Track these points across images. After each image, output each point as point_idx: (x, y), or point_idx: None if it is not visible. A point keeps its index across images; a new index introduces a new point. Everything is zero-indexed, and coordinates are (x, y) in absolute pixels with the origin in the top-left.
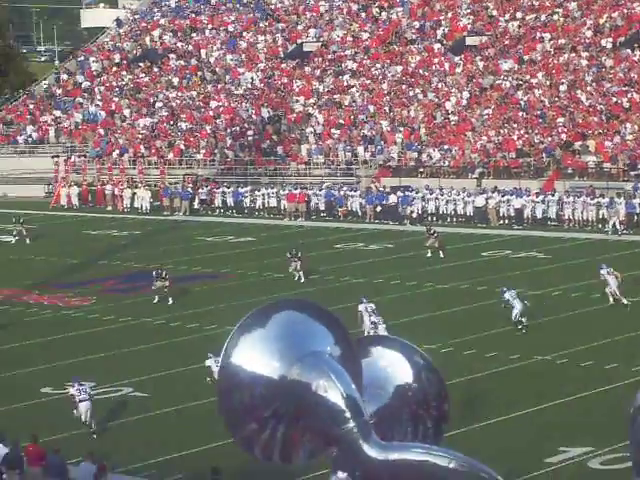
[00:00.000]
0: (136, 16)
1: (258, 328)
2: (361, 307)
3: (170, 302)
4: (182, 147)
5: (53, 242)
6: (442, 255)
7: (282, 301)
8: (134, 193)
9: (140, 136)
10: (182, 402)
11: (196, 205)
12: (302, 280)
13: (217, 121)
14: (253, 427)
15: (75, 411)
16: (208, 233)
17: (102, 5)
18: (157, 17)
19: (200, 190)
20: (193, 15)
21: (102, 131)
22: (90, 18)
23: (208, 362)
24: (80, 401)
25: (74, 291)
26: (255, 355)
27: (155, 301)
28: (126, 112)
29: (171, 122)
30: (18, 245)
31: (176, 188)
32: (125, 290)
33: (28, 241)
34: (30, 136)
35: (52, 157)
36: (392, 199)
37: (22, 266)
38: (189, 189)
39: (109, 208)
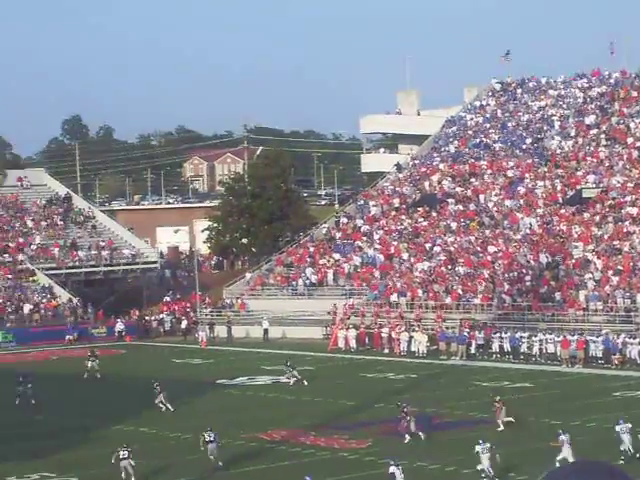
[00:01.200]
0: (416, 161)
1: None
2: None
3: None
4: (460, 291)
5: (330, 384)
6: None
7: (581, 463)
8: (411, 337)
9: (418, 280)
10: None
11: (473, 350)
12: None
13: (495, 266)
14: None
15: None
16: (484, 378)
17: (382, 150)
18: (436, 162)
19: (477, 335)
20: (472, 160)
21: (380, 274)
22: (370, 163)
23: None
24: None
25: (350, 433)
26: None
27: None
28: (404, 256)
29: (449, 266)
30: (296, 386)
31: (453, 332)
32: (401, 434)
33: (305, 382)
34: (309, 278)
35: (331, 300)
36: None
37: (300, 407)
38: (466, 333)
39: (386, 351)
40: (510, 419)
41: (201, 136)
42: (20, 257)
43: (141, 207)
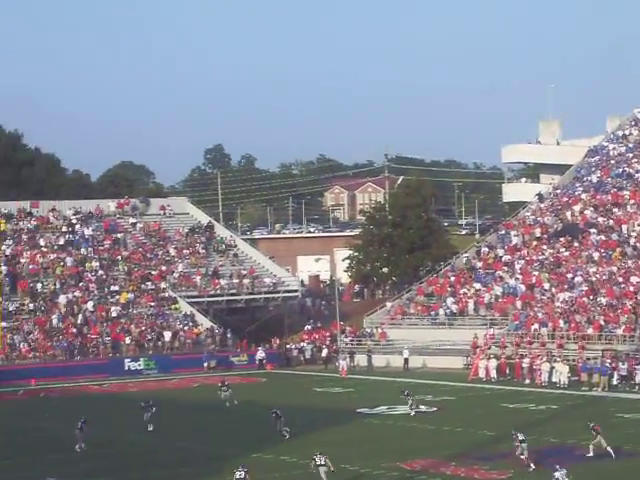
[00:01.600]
0: (557, 191)
1: None
2: None
3: None
4: (602, 322)
5: (470, 414)
6: None
7: None
8: (552, 367)
9: (559, 310)
10: None
11: (615, 381)
12: None
13: (638, 296)
14: None
15: None
16: (627, 410)
17: (524, 180)
18: (578, 192)
19: (620, 366)
20: (615, 190)
21: (521, 304)
22: (511, 192)
23: None
24: None
25: (491, 464)
26: None
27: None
28: (546, 286)
29: (591, 297)
30: (438, 415)
31: (595, 363)
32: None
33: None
34: (449, 308)
35: (471, 329)
36: None
37: (440, 437)
38: (608, 364)
39: (527, 381)
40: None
41: (342, 165)
42: (163, 285)
43: (282, 236)
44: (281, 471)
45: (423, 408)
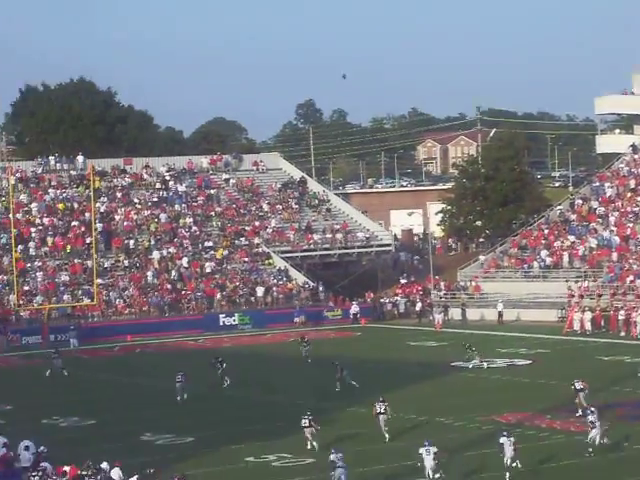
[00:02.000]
0: None
1: None
2: None
3: None
4: None
5: (565, 367)
6: None
7: None
8: None
9: None
10: None
11: None
12: None
13: None
14: None
15: None
16: None
17: (617, 131)
18: None
19: None
20: None
21: (616, 256)
22: (605, 144)
23: None
24: None
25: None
26: None
27: None
28: None
29: None
30: (532, 368)
31: None
32: (637, 417)
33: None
34: (543, 260)
35: (566, 282)
36: None
37: (535, 390)
38: None
39: (622, 334)
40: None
41: (434, 119)
42: (256, 240)
43: (375, 190)
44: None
45: (485, 365)
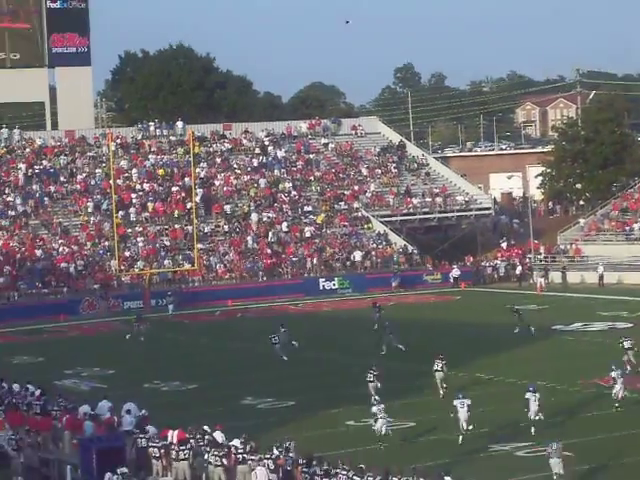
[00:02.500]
0: None
1: None
2: None
3: None
4: None
5: None
6: None
7: None
8: None
9: None
10: None
11: None
12: None
13: None
14: None
15: None
16: None
17: None
18: None
19: None
20: None
21: None
22: None
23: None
24: None
25: None
26: None
27: None
28: None
29: None
30: (634, 331)
31: None
32: None
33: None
34: None
35: None
36: None
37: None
38: None
39: None
40: None
41: (533, 81)
42: (355, 205)
43: (473, 154)
44: (477, 389)
45: (533, 330)
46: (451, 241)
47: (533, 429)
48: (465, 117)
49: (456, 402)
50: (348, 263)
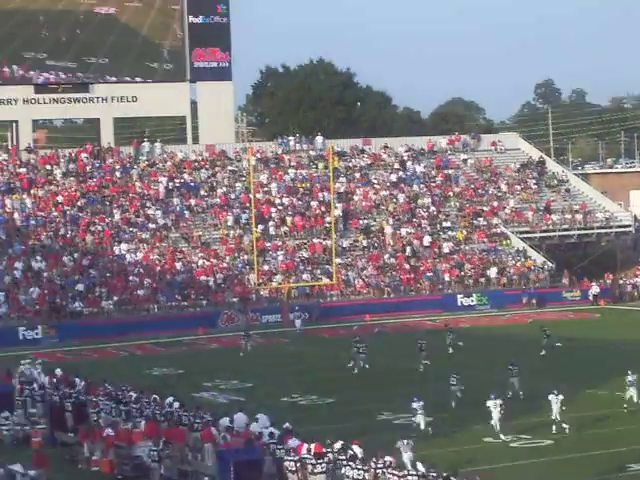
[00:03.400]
0: None
1: None
2: None
3: None
4: None
5: None
6: None
7: None
8: None
9: None
10: None
11: None
12: None
13: None
14: None
15: None
16: None
17: None
18: None
19: None
20: None
21: None
22: None
23: None
24: None
25: None
26: None
27: None
28: None
29: None
30: None
31: None
32: None
33: None
34: None
35: None
36: None
37: None
38: None
39: None
40: None
41: None
42: (494, 221)
43: (614, 170)
44: (615, 407)
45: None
46: (591, 258)
47: (554, 427)
48: (606, 133)
49: (489, 402)
50: (482, 280)
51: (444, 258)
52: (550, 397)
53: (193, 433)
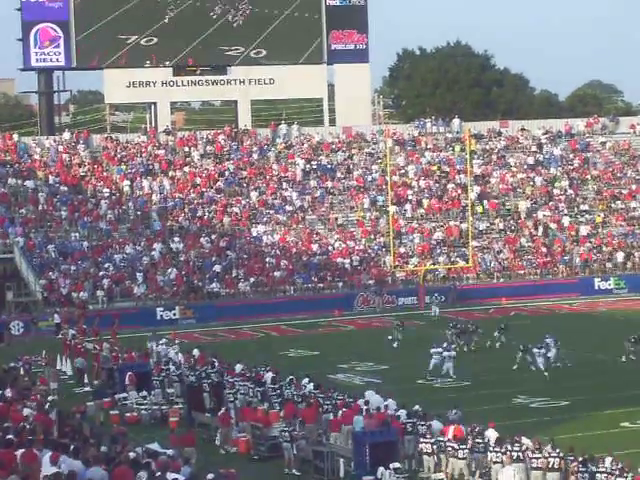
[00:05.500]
0: None
1: None
2: None
3: None
4: None
5: None
6: None
7: None
8: None
9: None
10: None
11: None
12: None
13: None
14: None
15: None
16: None
17: None
18: None
19: None
20: None
21: None
22: None
23: None
24: None
25: None
26: None
27: None
28: None
29: None
30: None
31: None
32: None
33: None
34: None
35: None
36: None
37: None
38: None
39: None
40: None
41: None
42: (633, 204)
43: None
44: None
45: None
46: None
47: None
48: None
49: (535, 350)
50: (609, 265)
51: (581, 241)
52: (548, 340)
53: (328, 414)
